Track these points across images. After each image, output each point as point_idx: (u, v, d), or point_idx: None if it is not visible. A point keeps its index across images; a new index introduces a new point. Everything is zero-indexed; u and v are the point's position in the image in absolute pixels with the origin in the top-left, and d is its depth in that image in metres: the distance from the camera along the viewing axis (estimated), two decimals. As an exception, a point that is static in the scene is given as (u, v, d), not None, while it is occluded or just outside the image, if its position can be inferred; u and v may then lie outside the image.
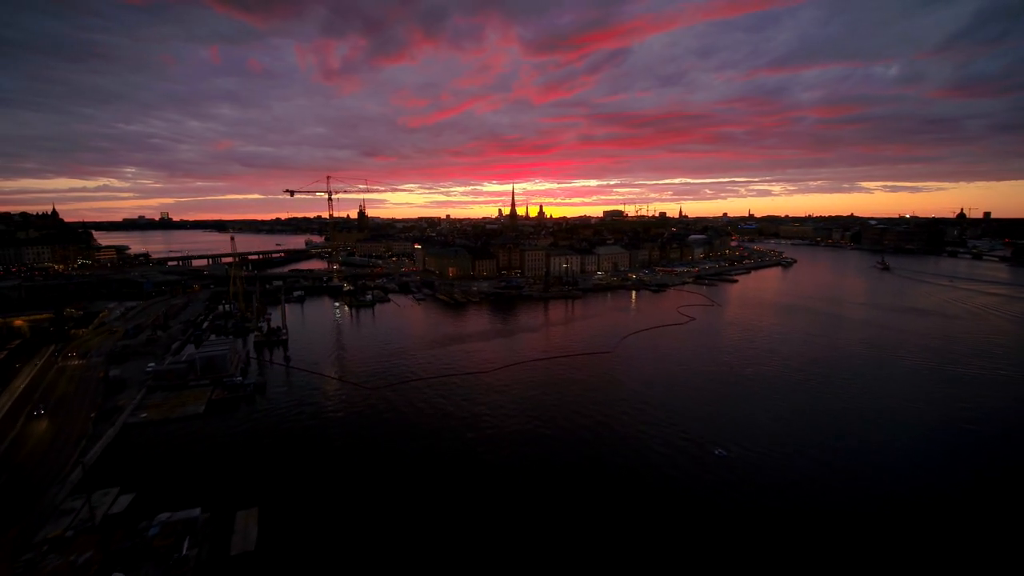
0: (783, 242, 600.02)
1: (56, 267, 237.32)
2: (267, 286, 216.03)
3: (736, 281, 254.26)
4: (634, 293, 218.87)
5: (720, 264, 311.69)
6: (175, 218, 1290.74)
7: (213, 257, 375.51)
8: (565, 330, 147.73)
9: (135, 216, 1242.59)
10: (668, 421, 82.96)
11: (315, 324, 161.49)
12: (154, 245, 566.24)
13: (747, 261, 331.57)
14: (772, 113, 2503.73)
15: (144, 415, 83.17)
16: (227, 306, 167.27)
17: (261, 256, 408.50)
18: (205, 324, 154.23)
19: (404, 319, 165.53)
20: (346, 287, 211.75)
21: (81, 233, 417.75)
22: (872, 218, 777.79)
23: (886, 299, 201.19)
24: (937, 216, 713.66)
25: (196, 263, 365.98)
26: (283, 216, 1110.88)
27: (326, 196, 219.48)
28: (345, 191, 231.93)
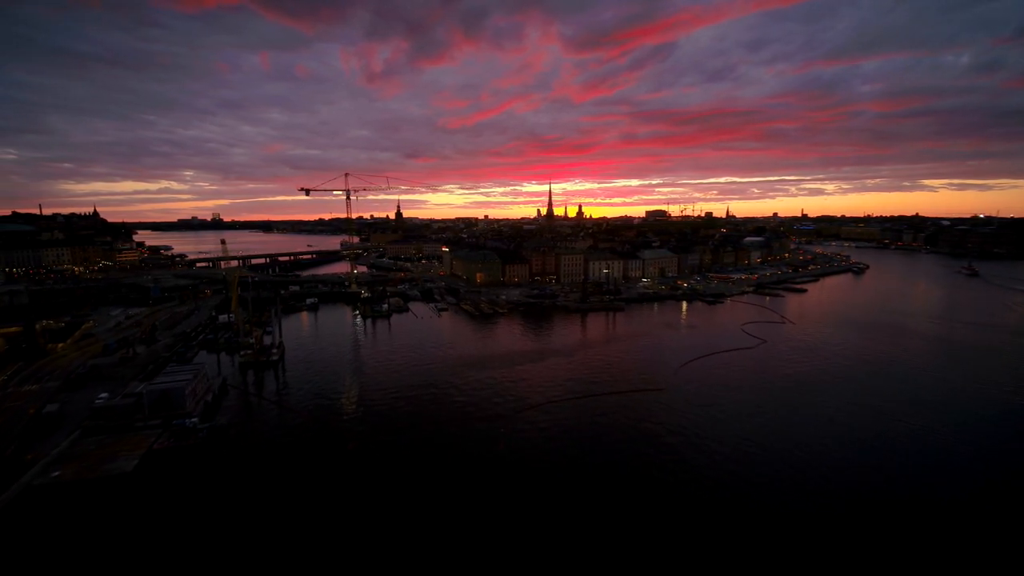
0: (845, 244, 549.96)
1: (76, 269, 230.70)
2: (281, 292, 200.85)
3: (804, 291, 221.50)
4: (685, 304, 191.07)
5: (781, 270, 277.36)
6: (228, 219, 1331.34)
7: (243, 258, 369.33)
8: (606, 354, 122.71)
9: (196, 217, 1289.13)
10: (761, 520, 57.55)
11: (321, 338, 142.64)
12: (205, 245, 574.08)
13: (813, 267, 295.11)
14: (827, 108, 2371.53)
15: (57, 473, 64.57)
16: (227, 316, 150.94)
17: (292, 257, 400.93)
18: (201, 337, 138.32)
19: (421, 334, 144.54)
20: (363, 294, 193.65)
21: (122, 232, 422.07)
22: (944, 218, 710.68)
23: (992, 316, 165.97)
24: (1017, 216, 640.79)
25: (225, 264, 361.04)
26: (327, 216, 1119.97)
27: (343, 196, 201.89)
28: (365, 189, 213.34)
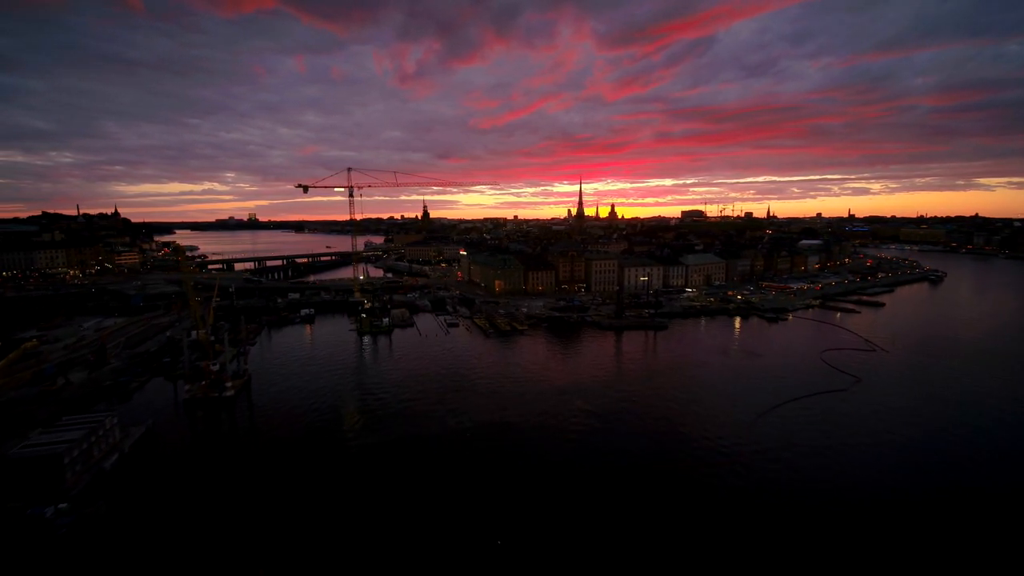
0: (906, 247, 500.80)
1: (71, 272, 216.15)
2: (278, 300, 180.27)
3: (881, 304, 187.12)
4: (738, 321, 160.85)
5: (847, 278, 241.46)
6: (264, 219, 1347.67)
7: (258, 259, 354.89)
8: (651, 394, 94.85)
9: (233, 218, 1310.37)
10: None
11: (305, 360, 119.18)
12: (240, 245, 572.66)
13: (881, 274, 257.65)
14: (875, 102, 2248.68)
15: None
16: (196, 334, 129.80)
17: (311, 259, 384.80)
18: (166, 360, 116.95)
19: (421, 357, 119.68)
20: (366, 304, 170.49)
21: (143, 232, 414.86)
22: (1015, 219, 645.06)
23: None
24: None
25: (239, 267, 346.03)
26: (358, 217, 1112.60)
27: (346, 194, 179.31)
28: (370, 185, 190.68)
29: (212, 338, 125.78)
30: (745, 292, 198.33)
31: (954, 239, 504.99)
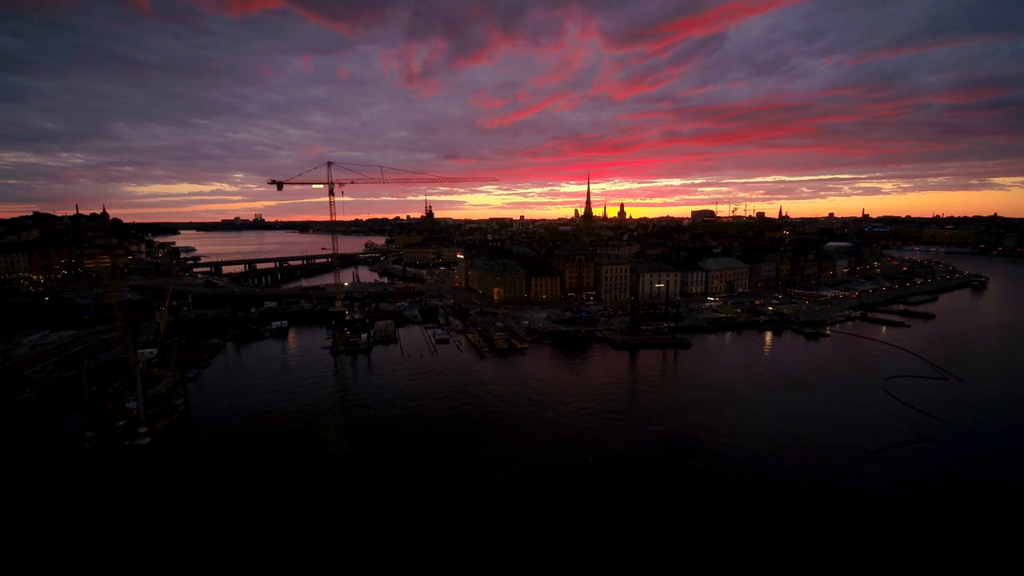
0: (931, 249, 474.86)
1: (33, 277, 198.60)
2: (252, 310, 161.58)
3: (931, 316, 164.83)
4: (769, 336, 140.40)
5: (884, 285, 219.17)
6: (271, 219, 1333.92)
7: (249, 262, 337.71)
8: (676, 447, 74.47)
9: (239, 218, 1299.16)
10: None
11: (266, 386, 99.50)
12: (244, 246, 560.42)
13: (920, 280, 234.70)
14: (888, 101, 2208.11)
15: None
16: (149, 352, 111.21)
17: (305, 261, 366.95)
18: (94, 390, 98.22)
19: (397, 387, 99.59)
20: (347, 315, 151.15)
21: (132, 233, 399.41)
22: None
23: None
24: None
25: (227, 269, 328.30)
26: (364, 217, 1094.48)
27: (326, 191, 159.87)
28: (353, 181, 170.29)
29: (155, 360, 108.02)
30: (774, 301, 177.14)
31: (982, 240, 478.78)
